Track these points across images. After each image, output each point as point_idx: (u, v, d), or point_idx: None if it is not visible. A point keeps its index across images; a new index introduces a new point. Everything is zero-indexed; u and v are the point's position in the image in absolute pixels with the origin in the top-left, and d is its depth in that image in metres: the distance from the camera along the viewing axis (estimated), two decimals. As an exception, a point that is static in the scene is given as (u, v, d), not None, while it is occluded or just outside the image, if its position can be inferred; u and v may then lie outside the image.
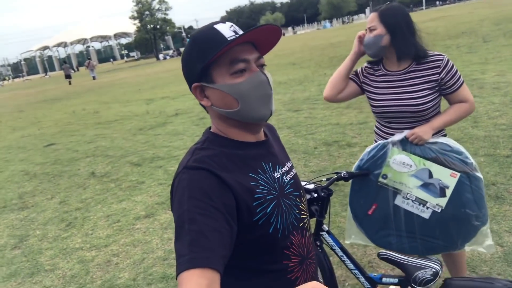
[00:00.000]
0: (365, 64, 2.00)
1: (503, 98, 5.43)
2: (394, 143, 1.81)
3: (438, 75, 1.76)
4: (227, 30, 0.94)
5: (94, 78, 29.52)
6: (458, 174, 1.68)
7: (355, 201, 1.93)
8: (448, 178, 1.69)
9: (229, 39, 0.91)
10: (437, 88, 1.78)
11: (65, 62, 34.53)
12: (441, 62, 1.75)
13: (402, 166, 1.77)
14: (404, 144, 1.79)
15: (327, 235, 1.87)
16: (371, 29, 1.80)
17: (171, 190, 0.96)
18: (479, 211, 1.70)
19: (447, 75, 1.75)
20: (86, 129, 8.97)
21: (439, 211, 1.72)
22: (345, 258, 1.86)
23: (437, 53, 1.80)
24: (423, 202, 1.74)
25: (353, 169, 1.91)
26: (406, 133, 1.79)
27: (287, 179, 1.06)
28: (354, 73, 2.02)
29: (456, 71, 1.77)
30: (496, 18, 15.93)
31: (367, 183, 1.86)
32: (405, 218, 1.79)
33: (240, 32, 0.95)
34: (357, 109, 6.31)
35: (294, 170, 1.13)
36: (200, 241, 0.80)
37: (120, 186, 4.80)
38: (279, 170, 1.05)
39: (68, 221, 4.06)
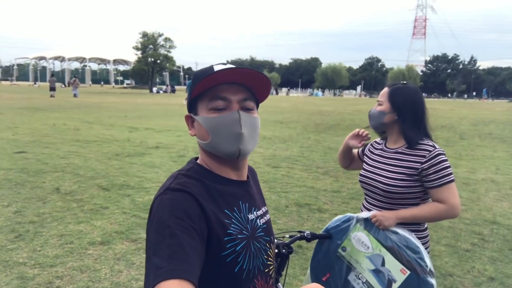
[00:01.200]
0: (377, 139, 2.06)
1: (471, 194, 5.66)
2: (358, 220, 1.81)
3: (420, 164, 1.73)
4: (220, 67, 1.01)
5: (75, 95, 30.51)
6: (408, 272, 1.61)
7: (315, 263, 1.94)
8: (398, 272, 1.63)
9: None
10: (416, 177, 1.75)
11: (52, 75, 35.26)
12: (428, 153, 1.72)
13: (360, 245, 1.77)
14: (368, 224, 1.78)
15: None
16: (378, 103, 1.88)
17: (150, 209, 0.97)
18: None
19: (430, 168, 1.71)
20: (62, 144, 8.79)
21: None
22: None
23: (431, 143, 1.77)
24: (371, 287, 1.71)
25: (322, 230, 1.94)
26: (371, 213, 1.79)
27: (260, 222, 1.08)
28: (363, 147, 2.10)
29: (444, 168, 1.70)
30: (475, 119, 16.99)
31: (328, 249, 1.87)
32: None
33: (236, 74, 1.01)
34: (333, 177, 6.44)
35: (268, 216, 1.16)
36: (180, 255, 0.82)
37: (82, 207, 4.64)
38: (254, 212, 1.08)
39: (19, 233, 3.86)
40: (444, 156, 1.73)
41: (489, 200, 5.41)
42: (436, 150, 1.73)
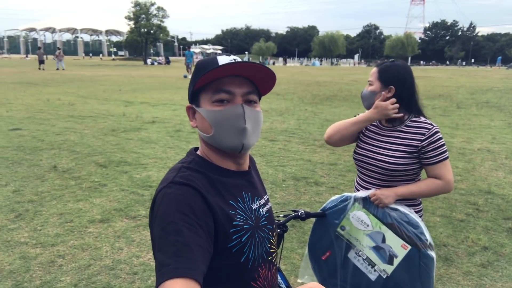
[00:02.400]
0: None
1: (466, 164, 5.71)
2: (356, 199, 1.82)
3: (419, 142, 1.76)
4: (225, 60, 0.98)
5: (58, 69, 30.17)
6: (409, 247, 1.66)
7: (313, 243, 1.93)
8: (398, 247, 1.68)
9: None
10: (415, 155, 1.78)
11: (39, 48, 34.65)
12: (427, 130, 1.76)
13: (360, 223, 1.78)
14: (366, 203, 1.79)
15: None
16: (369, 84, 1.87)
17: (152, 204, 0.96)
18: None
19: (429, 145, 1.75)
20: (57, 120, 8.72)
21: (384, 277, 1.71)
22: (281, 282, 1.86)
23: (428, 121, 1.80)
24: (372, 264, 1.74)
25: (319, 209, 1.93)
26: (369, 192, 1.80)
27: (263, 211, 1.09)
28: None
29: (441, 146, 1.75)
30: (472, 88, 16.91)
31: (327, 228, 1.87)
32: (353, 272, 1.79)
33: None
34: (330, 150, 6.45)
35: (269, 204, 1.17)
36: (185, 252, 0.81)
37: (80, 185, 4.66)
38: (257, 202, 1.08)
39: (18, 212, 3.88)
40: (440, 133, 1.78)
41: (485, 170, 5.46)
42: (434, 127, 1.77)
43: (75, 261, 3.05)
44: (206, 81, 0.98)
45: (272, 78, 1.03)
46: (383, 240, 1.71)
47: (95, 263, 3.02)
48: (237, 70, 0.97)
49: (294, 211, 1.89)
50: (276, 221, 1.85)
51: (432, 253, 1.66)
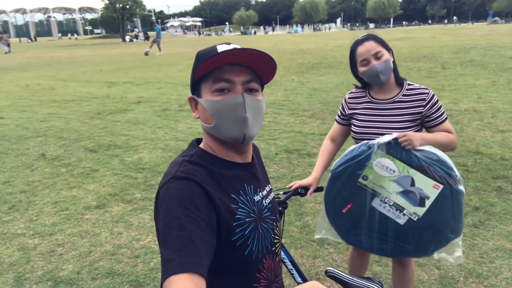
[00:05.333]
0: (348, 95, 2.00)
1: (454, 126, 5.76)
2: (380, 145, 1.73)
3: (422, 108, 1.80)
4: (224, 48, 0.96)
5: (6, 52, 29.58)
6: (441, 186, 1.65)
7: (331, 198, 1.88)
8: (430, 189, 1.66)
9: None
10: (419, 121, 1.82)
11: (4, 32, 34.15)
12: (426, 95, 1.80)
13: (384, 170, 1.72)
14: (390, 148, 1.72)
15: None
16: (378, 56, 1.78)
17: (156, 199, 0.96)
18: (455, 224, 1.70)
19: (431, 108, 1.80)
20: (40, 106, 8.50)
21: (415, 219, 1.70)
22: (294, 271, 1.90)
23: (423, 87, 1.84)
24: (400, 208, 1.71)
25: (332, 166, 1.86)
26: (396, 134, 1.72)
27: (265, 202, 1.08)
28: (340, 114, 2.03)
29: (440, 106, 1.82)
30: (456, 47, 16.92)
31: (346, 182, 1.81)
32: (379, 220, 1.77)
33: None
34: (319, 120, 6.47)
35: (272, 194, 1.16)
36: (189, 247, 0.82)
37: (71, 172, 4.60)
38: (260, 193, 1.07)
39: (12, 204, 3.84)
40: (435, 94, 1.85)
41: (472, 130, 5.56)
42: (430, 91, 1.83)
43: (75, 248, 3.05)
44: (205, 70, 0.96)
45: (272, 67, 1.00)
46: (412, 184, 1.69)
47: (96, 249, 3.03)
48: (236, 57, 0.95)
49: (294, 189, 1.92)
50: (276, 199, 1.86)
51: (462, 188, 1.69)
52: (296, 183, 1.96)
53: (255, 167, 1.11)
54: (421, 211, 1.69)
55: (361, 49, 1.82)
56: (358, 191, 1.78)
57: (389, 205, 1.73)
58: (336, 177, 1.83)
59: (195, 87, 1.01)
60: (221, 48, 0.96)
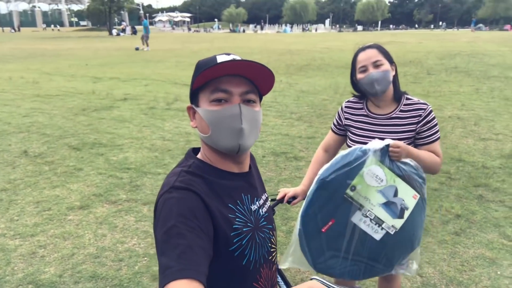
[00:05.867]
0: (345, 104, 1.96)
1: (438, 132, 5.89)
2: (375, 152, 1.60)
3: (417, 125, 1.76)
4: (223, 59, 0.98)
5: None
6: (418, 196, 1.62)
7: (311, 214, 1.64)
8: (410, 199, 1.61)
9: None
10: (412, 139, 1.79)
11: None
12: (423, 111, 1.76)
13: (374, 179, 1.60)
14: (382, 154, 1.61)
15: None
16: (377, 64, 1.75)
17: (154, 209, 0.96)
18: (420, 234, 1.69)
19: (425, 125, 1.76)
20: (22, 101, 8.31)
21: (392, 233, 1.61)
22: (279, 278, 1.91)
23: (421, 101, 1.80)
24: (379, 222, 1.60)
25: (319, 173, 1.66)
26: (388, 141, 1.61)
27: (262, 212, 1.10)
28: (336, 123, 2.00)
29: (435, 125, 1.77)
30: (441, 53, 17.22)
31: (332, 193, 1.62)
32: (358, 238, 1.62)
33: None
34: (307, 123, 6.50)
35: (268, 203, 1.17)
36: (188, 254, 0.82)
37: (55, 170, 4.52)
38: (256, 203, 1.09)
39: (-9, 203, 3.75)
40: (433, 112, 1.79)
41: (455, 137, 5.67)
42: (428, 107, 1.78)
43: (57, 251, 3.00)
44: (204, 80, 0.97)
45: (271, 79, 1.02)
46: (395, 194, 1.61)
47: (79, 251, 2.98)
48: (234, 68, 0.96)
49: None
50: None
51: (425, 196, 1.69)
52: (283, 192, 1.94)
53: (252, 176, 1.12)
54: (399, 223, 1.61)
55: (361, 56, 1.78)
56: (343, 204, 1.60)
57: (370, 220, 1.60)
58: (324, 188, 1.62)
59: (194, 97, 1.02)
60: (220, 59, 0.97)
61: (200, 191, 0.94)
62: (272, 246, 1.12)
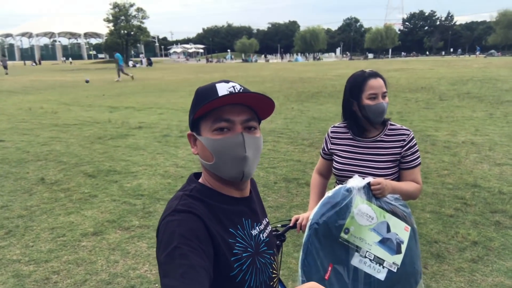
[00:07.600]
0: (331, 129, 2.02)
1: (452, 158, 5.83)
2: (358, 189, 1.59)
3: (401, 149, 1.83)
4: (224, 88, 1.00)
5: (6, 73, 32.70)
6: (409, 227, 1.62)
7: (310, 263, 1.55)
8: (403, 232, 1.61)
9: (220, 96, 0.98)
10: (397, 162, 1.85)
11: (3, 55, 38.59)
12: (406, 136, 1.84)
13: (365, 218, 1.57)
14: (366, 192, 1.61)
15: None
16: (384, 95, 1.80)
17: (157, 232, 0.98)
18: (420, 266, 1.66)
19: (408, 150, 1.83)
20: (41, 130, 8.56)
21: (395, 270, 1.57)
22: None
23: (404, 127, 1.88)
24: (380, 261, 1.55)
25: (310, 218, 1.61)
26: (369, 179, 1.63)
27: (263, 237, 1.10)
28: (323, 148, 2.07)
29: (417, 150, 1.85)
30: (453, 78, 17.21)
31: (326, 237, 1.56)
32: (364, 282, 1.55)
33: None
34: (318, 149, 6.48)
35: (269, 227, 1.18)
36: (191, 274, 0.83)
37: (70, 197, 4.60)
38: (257, 228, 1.09)
39: (8, 229, 3.81)
40: (414, 136, 1.88)
41: (470, 163, 5.59)
42: (410, 132, 1.87)
43: (70, 277, 3.02)
44: (205, 110, 1.00)
45: (271, 107, 1.05)
46: (388, 229, 1.59)
47: (91, 278, 2.99)
48: (236, 99, 0.99)
49: (290, 220, 1.92)
50: (274, 232, 1.86)
51: (415, 225, 1.68)
52: (294, 219, 1.93)
53: (253, 201, 1.13)
54: (399, 259, 1.58)
55: (374, 83, 1.80)
56: (340, 248, 1.56)
57: (370, 260, 1.55)
58: (317, 232, 1.56)
59: (195, 125, 1.04)
60: (220, 88, 1.00)
61: (201, 214, 0.96)
62: (274, 271, 1.12)
